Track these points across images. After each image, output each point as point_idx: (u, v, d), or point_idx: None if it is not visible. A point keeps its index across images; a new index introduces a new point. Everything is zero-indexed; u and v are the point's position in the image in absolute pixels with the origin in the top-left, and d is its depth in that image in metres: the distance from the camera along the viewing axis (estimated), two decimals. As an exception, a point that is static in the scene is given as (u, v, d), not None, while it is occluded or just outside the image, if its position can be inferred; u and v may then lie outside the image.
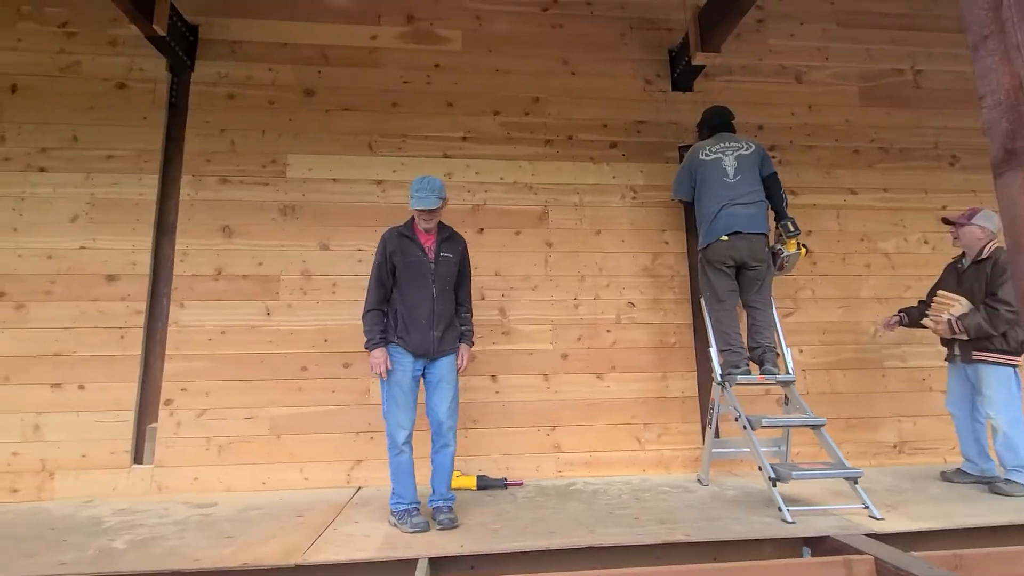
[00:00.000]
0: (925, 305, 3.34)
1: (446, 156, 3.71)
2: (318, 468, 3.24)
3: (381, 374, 2.53)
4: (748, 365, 3.01)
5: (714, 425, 3.08)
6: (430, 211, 2.57)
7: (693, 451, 3.51)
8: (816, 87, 4.14)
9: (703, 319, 3.64)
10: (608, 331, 3.62)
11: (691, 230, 3.78)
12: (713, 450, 3.10)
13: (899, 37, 4.30)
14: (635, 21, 4.09)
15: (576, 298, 3.63)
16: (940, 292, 3.11)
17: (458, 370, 2.65)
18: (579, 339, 3.59)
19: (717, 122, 3.37)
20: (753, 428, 2.75)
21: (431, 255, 2.60)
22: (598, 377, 3.56)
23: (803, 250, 3.29)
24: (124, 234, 3.34)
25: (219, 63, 3.65)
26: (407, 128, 3.71)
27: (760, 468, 2.63)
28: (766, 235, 3.17)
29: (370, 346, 2.55)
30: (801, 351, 3.72)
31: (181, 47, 3.48)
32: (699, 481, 3.18)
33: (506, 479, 3.18)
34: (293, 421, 3.28)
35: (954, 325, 2.95)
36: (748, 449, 2.99)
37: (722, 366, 3.07)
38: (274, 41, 3.72)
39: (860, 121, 4.13)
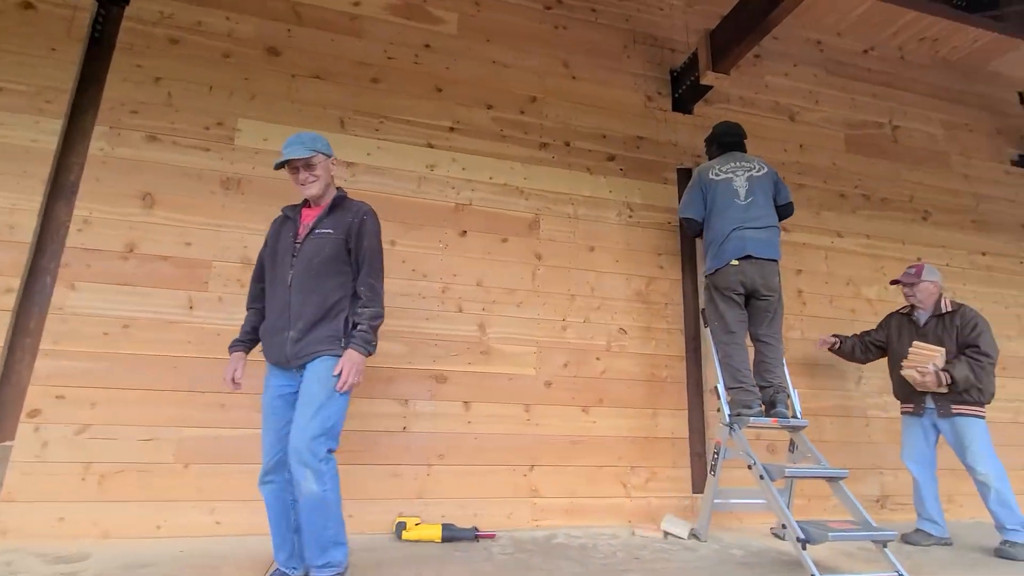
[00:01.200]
0: (862, 343, 3.28)
1: (430, 145, 3.25)
2: (235, 509, 2.53)
3: (227, 383, 2.06)
4: (761, 406, 2.71)
5: (717, 472, 2.72)
6: (301, 165, 2.00)
7: (681, 500, 3.14)
8: (807, 127, 4.12)
9: (697, 353, 3.38)
10: (597, 359, 3.22)
11: (687, 256, 3.53)
12: (716, 501, 2.74)
13: (880, 92, 4.42)
14: (639, 35, 3.90)
15: (565, 319, 3.22)
16: (918, 344, 2.98)
17: (339, 385, 1.87)
18: (565, 365, 3.16)
19: (727, 140, 3.16)
20: (773, 478, 2.41)
21: (302, 233, 2.03)
22: (583, 411, 3.13)
23: None
24: (4, 188, 2.56)
25: (164, 0, 3.01)
26: (387, 108, 3.22)
27: (784, 526, 2.29)
28: (778, 262, 2.95)
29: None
30: (791, 394, 3.51)
31: (116, -28, 2.84)
32: (695, 536, 2.79)
33: (477, 529, 2.64)
34: (207, 447, 2.57)
35: (942, 377, 2.83)
36: (759, 501, 2.66)
37: (731, 405, 2.75)
38: (237, -12, 3.15)
39: (846, 167, 4.14)
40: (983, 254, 4.30)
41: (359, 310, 1.98)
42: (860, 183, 4.15)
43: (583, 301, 3.28)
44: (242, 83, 3.03)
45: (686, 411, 3.30)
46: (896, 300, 3.95)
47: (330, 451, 1.86)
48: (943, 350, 2.88)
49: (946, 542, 2.91)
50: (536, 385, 3.08)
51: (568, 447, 3.05)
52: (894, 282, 3.25)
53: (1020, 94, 4.87)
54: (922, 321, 3.09)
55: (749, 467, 2.53)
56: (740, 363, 2.78)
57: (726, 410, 2.74)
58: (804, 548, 2.16)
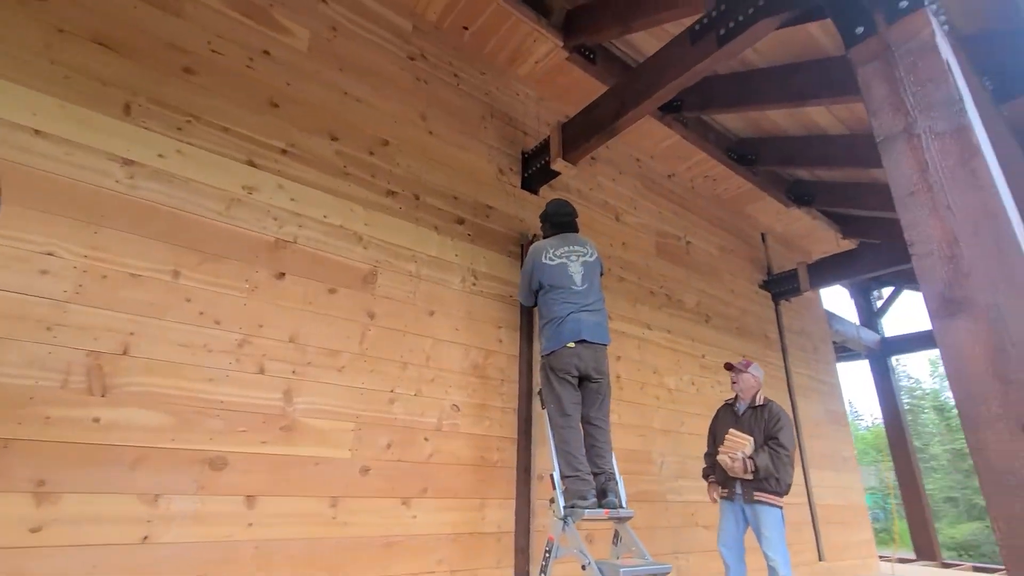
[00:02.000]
0: (712, 457, 3.52)
1: (251, 164, 2.65)
2: None
3: None
4: (595, 496, 2.59)
5: (548, 574, 2.47)
6: None
7: (502, 607, 2.79)
8: (628, 228, 4.60)
9: (528, 435, 3.22)
10: (426, 439, 2.81)
11: (524, 332, 3.45)
12: (545, 608, 2.45)
13: (678, 211, 5.24)
14: (496, 112, 3.97)
15: (394, 390, 2.77)
16: (732, 431, 3.32)
17: None
18: (388, 447, 2.67)
19: (560, 221, 3.21)
20: (609, 580, 2.25)
21: None
22: (404, 503, 2.64)
23: None
24: None
25: None
26: (201, 107, 2.56)
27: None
28: (607, 347, 3.01)
29: None
30: (608, 480, 3.54)
31: None
32: (519, 654, 2.44)
33: None
34: None
35: (747, 464, 3.15)
36: (589, 606, 2.44)
37: (565, 495, 2.58)
38: None
39: (654, 269, 4.69)
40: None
41: None
42: (664, 284, 4.72)
43: (416, 371, 2.89)
44: (-34, 16, 2.09)
45: (513, 500, 3.04)
46: (687, 391, 4.45)
47: None
48: (752, 439, 3.18)
49: None
50: (350, 471, 2.51)
51: (381, 552, 2.49)
52: (727, 366, 3.55)
53: (762, 235, 6.30)
54: (741, 411, 3.43)
55: (583, 567, 2.34)
56: (576, 449, 2.67)
57: (560, 502, 2.56)
58: (641, 663, 1.98)
